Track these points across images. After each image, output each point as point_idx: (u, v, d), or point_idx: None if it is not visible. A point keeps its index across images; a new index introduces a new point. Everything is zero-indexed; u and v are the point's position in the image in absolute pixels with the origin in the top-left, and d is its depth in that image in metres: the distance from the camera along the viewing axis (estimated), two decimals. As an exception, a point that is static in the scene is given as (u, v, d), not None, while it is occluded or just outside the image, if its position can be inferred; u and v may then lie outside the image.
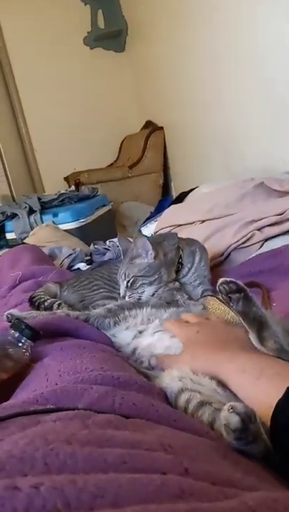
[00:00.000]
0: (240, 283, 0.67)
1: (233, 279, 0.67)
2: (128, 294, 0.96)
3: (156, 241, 1.03)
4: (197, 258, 1.07)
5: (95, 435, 0.34)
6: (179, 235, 1.13)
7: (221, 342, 0.65)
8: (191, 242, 1.11)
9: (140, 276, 0.96)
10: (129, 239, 1.14)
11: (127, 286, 0.96)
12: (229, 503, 0.25)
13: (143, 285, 0.96)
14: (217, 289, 0.68)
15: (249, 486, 0.31)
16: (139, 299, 0.95)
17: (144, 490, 0.26)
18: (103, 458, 0.29)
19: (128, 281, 0.96)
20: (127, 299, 0.96)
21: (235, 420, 0.44)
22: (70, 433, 0.33)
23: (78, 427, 0.36)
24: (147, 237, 1.06)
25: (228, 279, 0.67)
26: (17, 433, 0.35)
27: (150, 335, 0.76)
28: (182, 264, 1.04)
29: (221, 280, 0.67)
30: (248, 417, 0.44)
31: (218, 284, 0.68)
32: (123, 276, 0.98)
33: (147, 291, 0.96)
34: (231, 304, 0.67)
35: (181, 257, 1.04)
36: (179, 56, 2.93)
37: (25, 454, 0.29)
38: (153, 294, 0.96)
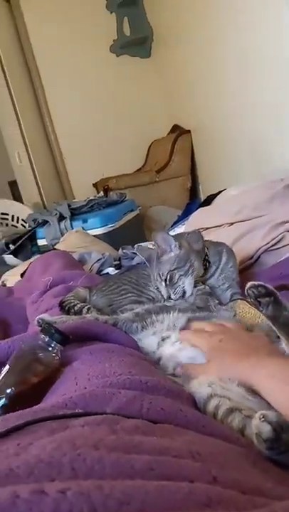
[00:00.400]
0: (270, 286, 0.66)
1: (262, 283, 0.66)
2: (172, 291, 0.96)
3: (177, 235, 1.03)
4: (224, 258, 1.05)
5: (122, 441, 0.34)
6: (206, 238, 1.12)
7: (247, 348, 0.63)
8: (216, 242, 1.10)
9: (174, 269, 0.96)
10: (149, 246, 1.14)
11: (166, 285, 0.96)
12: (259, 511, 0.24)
13: (180, 277, 0.96)
14: (246, 293, 0.67)
15: (279, 496, 0.30)
16: (184, 294, 0.95)
17: (171, 498, 0.26)
18: (130, 464, 0.29)
19: (166, 279, 0.96)
20: (172, 296, 0.95)
21: (267, 430, 0.43)
22: (97, 438, 0.33)
23: (106, 433, 0.36)
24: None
25: (256, 283, 0.65)
26: (45, 437, 0.35)
27: (171, 344, 0.75)
28: (209, 262, 1.03)
29: (249, 284, 0.66)
30: (280, 427, 0.43)
31: (246, 287, 0.66)
32: (159, 278, 0.97)
33: (187, 283, 0.96)
34: (261, 309, 0.66)
35: (207, 255, 1.03)
36: (204, 59, 2.92)
37: (52, 458, 0.29)
38: (195, 286, 0.95)
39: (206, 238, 1.12)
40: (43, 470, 0.28)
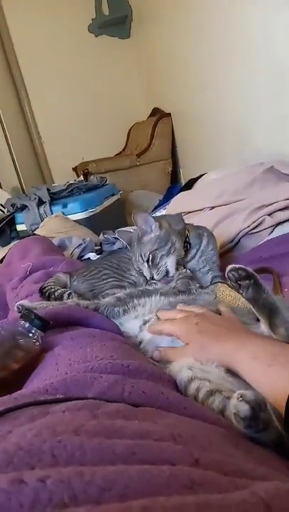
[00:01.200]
0: (250, 269, 0.66)
1: (242, 266, 0.66)
2: (154, 272, 0.96)
3: (158, 217, 1.03)
4: (204, 241, 1.05)
5: (103, 426, 0.33)
6: (187, 222, 1.12)
7: (225, 330, 0.63)
8: (197, 226, 1.10)
9: (156, 249, 0.96)
10: (129, 229, 1.13)
11: (148, 266, 0.96)
12: (240, 494, 0.24)
13: (162, 257, 0.96)
14: (226, 276, 0.67)
15: (261, 476, 0.31)
16: (167, 273, 0.95)
17: (153, 481, 0.26)
18: (112, 449, 0.29)
19: (148, 260, 0.96)
20: (155, 277, 0.95)
21: (244, 408, 0.43)
22: (78, 424, 0.33)
23: (87, 418, 0.36)
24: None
25: (236, 266, 0.65)
26: (26, 424, 0.34)
27: None
28: (190, 244, 1.03)
29: (229, 267, 0.66)
30: (258, 405, 0.43)
31: (226, 270, 0.66)
32: (140, 259, 0.97)
33: (169, 262, 0.96)
34: (241, 291, 0.66)
35: (188, 236, 1.03)
36: (185, 41, 2.87)
37: (32, 446, 0.29)
38: (177, 268, 0.95)
39: (187, 222, 1.12)
40: (22, 458, 0.28)
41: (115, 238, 1.82)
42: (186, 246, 1.02)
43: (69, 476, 0.24)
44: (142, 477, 0.25)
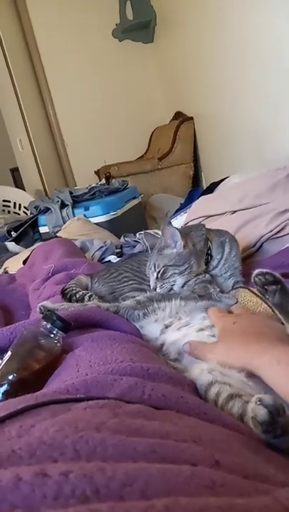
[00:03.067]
0: (277, 274, 0.65)
1: (270, 271, 0.65)
2: (159, 284, 0.96)
3: (185, 232, 1.02)
4: (227, 249, 1.05)
5: (124, 424, 0.34)
6: (209, 226, 1.11)
7: (257, 334, 0.62)
8: (220, 232, 1.09)
9: (170, 265, 0.96)
10: (156, 233, 1.14)
11: (157, 277, 0.96)
12: (262, 500, 0.24)
13: (174, 275, 0.96)
14: (252, 280, 0.66)
15: (282, 483, 0.31)
16: (170, 290, 0.95)
17: (174, 480, 0.26)
18: (133, 446, 0.29)
19: (158, 272, 0.96)
20: (158, 290, 0.96)
21: (262, 413, 0.43)
22: (99, 421, 0.33)
23: (108, 416, 0.36)
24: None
25: (263, 270, 0.65)
26: (48, 419, 0.35)
27: (175, 330, 0.75)
28: (211, 256, 1.03)
29: (256, 271, 0.65)
30: (276, 410, 0.43)
31: (253, 275, 0.66)
32: (153, 268, 0.97)
33: (178, 281, 0.96)
34: (267, 297, 0.66)
35: (210, 248, 1.02)
36: (207, 45, 2.87)
37: (55, 440, 0.29)
38: (183, 285, 0.95)
39: (208, 226, 1.12)
40: (45, 452, 0.28)
41: (136, 241, 1.83)
42: (208, 258, 1.02)
43: (91, 471, 0.25)
44: (162, 475, 0.25)
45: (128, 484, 0.24)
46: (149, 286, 1.02)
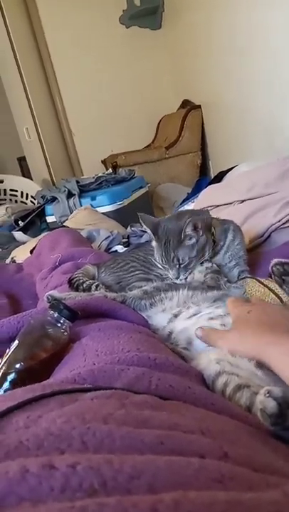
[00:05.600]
0: (296, 265, 0.64)
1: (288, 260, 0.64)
2: (182, 274, 0.95)
3: (198, 217, 1.00)
4: (230, 236, 1.03)
5: (131, 415, 0.33)
6: (217, 216, 1.10)
7: (271, 324, 0.61)
8: (224, 220, 1.08)
9: (194, 256, 0.95)
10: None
11: (179, 268, 0.95)
12: (272, 495, 0.24)
13: (196, 263, 0.96)
14: (270, 269, 0.65)
15: (291, 474, 0.30)
16: (186, 278, 0.96)
17: (182, 473, 0.25)
18: (140, 438, 0.29)
19: (183, 264, 0.95)
20: (181, 278, 0.95)
21: (271, 405, 0.42)
22: (106, 412, 0.33)
23: (115, 407, 0.36)
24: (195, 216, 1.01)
25: (283, 260, 0.64)
26: (55, 410, 0.35)
27: (185, 319, 0.74)
28: (215, 242, 1.02)
29: (275, 261, 0.64)
30: (285, 402, 0.42)
31: (271, 264, 0.65)
32: (175, 261, 0.95)
33: (198, 269, 0.96)
34: (284, 287, 0.65)
35: (213, 234, 1.01)
36: (215, 32, 2.82)
37: (62, 431, 0.29)
38: (202, 264, 0.97)
39: (216, 216, 1.10)
40: (52, 443, 0.28)
41: (142, 231, 1.82)
42: (212, 243, 1.01)
43: (98, 463, 0.25)
44: (170, 468, 0.25)
45: (136, 477, 0.24)
46: (156, 275, 1.01)
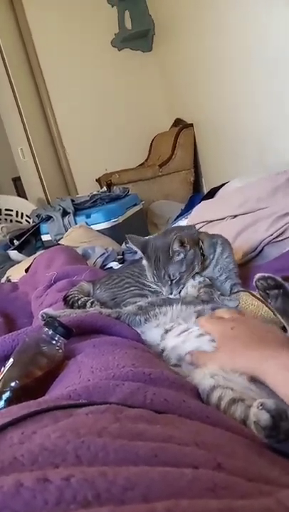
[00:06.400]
0: (279, 278, 0.65)
1: (271, 275, 0.65)
2: (174, 289, 0.96)
3: (183, 232, 1.02)
4: (219, 250, 1.04)
5: (126, 429, 0.34)
6: (210, 231, 1.11)
7: (259, 338, 0.61)
8: (211, 235, 1.09)
9: (184, 271, 0.97)
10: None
11: (171, 284, 0.96)
12: (264, 502, 0.24)
13: (187, 277, 0.97)
14: (254, 284, 0.66)
15: (286, 485, 0.30)
16: (183, 289, 0.97)
17: (175, 484, 0.26)
18: (134, 451, 0.29)
19: (174, 280, 0.96)
20: (174, 293, 0.96)
21: (265, 418, 0.43)
22: (101, 426, 0.33)
23: (110, 421, 0.36)
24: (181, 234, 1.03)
25: (265, 275, 0.64)
26: (49, 426, 0.35)
27: (174, 336, 0.74)
28: (204, 255, 1.03)
29: (258, 275, 0.65)
30: (278, 415, 0.43)
31: (254, 279, 0.66)
32: (166, 278, 0.96)
33: (190, 284, 0.98)
34: (269, 301, 0.65)
35: (201, 248, 1.02)
36: (206, 52, 2.89)
37: (56, 446, 0.29)
38: (193, 278, 0.98)
39: (209, 231, 1.12)
40: (47, 458, 0.28)
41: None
42: (201, 258, 1.02)
43: (93, 476, 0.25)
44: (164, 478, 0.25)
45: (129, 488, 0.24)
46: (151, 291, 1.01)
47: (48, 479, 0.25)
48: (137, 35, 3.67)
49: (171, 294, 0.96)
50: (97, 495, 0.24)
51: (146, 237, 1.08)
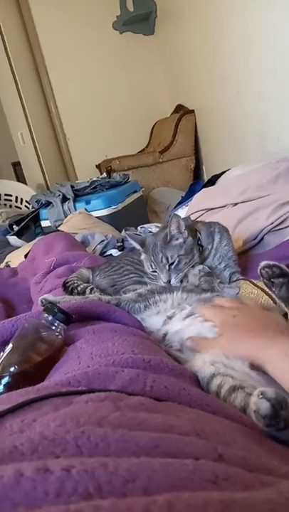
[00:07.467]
0: (285, 267, 0.64)
1: (277, 263, 0.64)
2: (173, 275, 0.95)
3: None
4: (217, 238, 1.04)
5: (126, 418, 0.33)
6: (211, 219, 1.10)
7: (261, 326, 0.62)
8: (208, 223, 1.08)
9: (183, 255, 0.95)
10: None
11: (169, 269, 0.95)
12: (266, 493, 0.24)
13: (186, 264, 0.96)
14: (259, 272, 0.66)
15: (286, 475, 0.30)
16: (181, 282, 0.95)
17: (176, 475, 0.25)
18: (135, 441, 0.29)
19: (172, 263, 0.95)
20: (173, 281, 0.95)
21: (265, 406, 0.42)
22: (101, 415, 0.33)
23: (110, 409, 0.36)
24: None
25: (270, 263, 0.64)
26: (49, 413, 0.35)
27: (180, 320, 0.74)
28: (202, 246, 1.02)
29: (263, 263, 0.64)
30: (278, 403, 0.42)
31: (259, 267, 0.65)
32: (164, 260, 0.96)
33: (192, 272, 0.96)
34: (273, 289, 0.65)
35: (199, 239, 1.02)
36: (208, 37, 2.84)
37: (56, 436, 0.29)
38: (193, 267, 0.96)
39: (210, 219, 1.11)
40: (47, 447, 0.28)
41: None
42: (199, 249, 1.01)
43: (93, 467, 0.24)
44: (165, 470, 0.25)
45: (130, 480, 0.24)
46: (151, 279, 1.01)
47: (48, 469, 0.25)
48: (139, 17, 3.60)
49: (169, 281, 0.95)
50: (99, 487, 0.23)
51: (146, 236, 1.09)
